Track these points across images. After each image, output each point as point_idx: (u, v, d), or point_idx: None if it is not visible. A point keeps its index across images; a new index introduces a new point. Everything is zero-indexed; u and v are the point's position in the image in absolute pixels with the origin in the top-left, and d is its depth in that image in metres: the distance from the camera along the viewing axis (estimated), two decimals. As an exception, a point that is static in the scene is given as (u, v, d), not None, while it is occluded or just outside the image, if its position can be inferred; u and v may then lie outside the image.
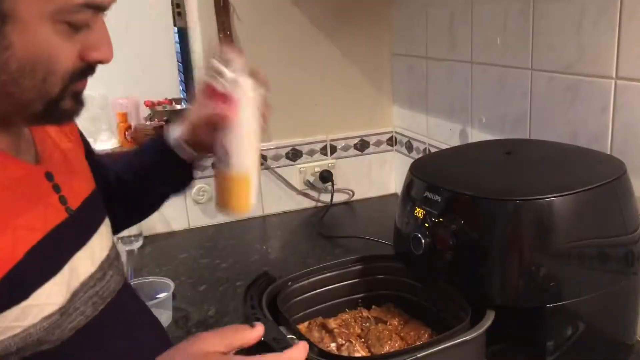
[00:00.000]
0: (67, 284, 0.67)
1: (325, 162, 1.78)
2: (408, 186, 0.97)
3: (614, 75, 1.00)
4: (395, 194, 1.88)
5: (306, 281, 0.96)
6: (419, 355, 0.73)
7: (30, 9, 0.56)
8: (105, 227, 0.80)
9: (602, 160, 0.96)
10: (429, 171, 0.95)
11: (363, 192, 1.83)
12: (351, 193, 1.82)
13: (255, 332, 0.64)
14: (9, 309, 0.60)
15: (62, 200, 0.71)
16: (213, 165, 0.84)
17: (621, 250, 0.85)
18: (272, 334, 0.78)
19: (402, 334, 0.92)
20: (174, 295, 1.27)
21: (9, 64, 0.58)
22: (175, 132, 0.88)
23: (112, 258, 0.80)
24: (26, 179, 0.67)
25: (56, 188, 0.71)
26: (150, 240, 1.63)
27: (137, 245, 1.59)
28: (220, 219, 1.72)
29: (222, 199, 0.83)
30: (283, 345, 0.76)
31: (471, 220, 0.83)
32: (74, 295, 0.69)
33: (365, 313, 0.97)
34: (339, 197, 1.81)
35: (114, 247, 0.82)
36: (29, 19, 0.57)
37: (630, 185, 0.87)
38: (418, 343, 0.88)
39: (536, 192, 0.81)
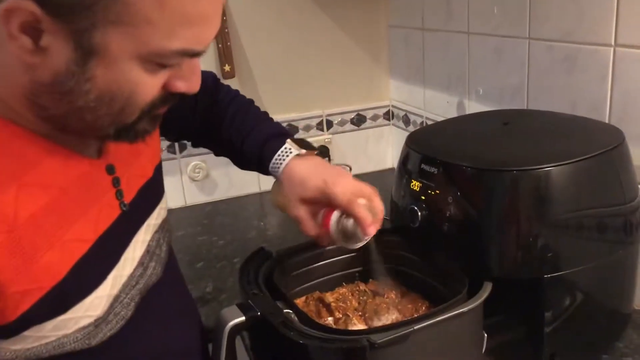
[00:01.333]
0: (108, 294, 0.63)
1: (322, 138, 1.77)
2: (404, 159, 0.96)
3: (612, 43, 0.98)
4: (392, 169, 1.87)
5: (302, 256, 0.95)
6: (416, 327, 0.72)
7: (122, 47, 0.52)
8: (156, 213, 0.76)
9: (601, 129, 0.94)
10: (425, 143, 0.94)
11: (360, 167, 1.82)
12: (348, 168, 1.81)
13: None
14: (42, 323, 0.57)
15: (119, 195, 0.67)
16: None
17: (619, 219, 0.84)
18: (268, 310, 0.78)
19: (399, 307, 0.91)
20: (171, 273, 1.27)
21: (89, 94, 0.54)
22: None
23: (154, 246, 0.74)
24: (86, 177, 0.63)
25: (115, 182, 0.67)
26: (147, 218, 1.62)
27: (133, 223, 1.58)
28: (217, 196, 1.71)
29: None
30: (280, 319, 0.76)
31: (468, 191, 0.83)
32: (114, 301, 0.64)
33: (362, 286, 0.97)
34: (336, 173, 1.80)
35: (157, 232, 0.76)
36: (118, 56, 0.53)
37: (629, 154, 0.86)
38: (415, 315, 0.88)
39: (533, 162, 0.80)
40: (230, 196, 1.72)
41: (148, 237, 0.73)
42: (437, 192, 0.85)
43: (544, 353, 0.84)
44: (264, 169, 0.87)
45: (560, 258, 0.80)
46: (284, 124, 1.73)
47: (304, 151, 0.84)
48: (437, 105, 1.58)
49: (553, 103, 1.13)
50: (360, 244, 0.80)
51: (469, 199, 0.82)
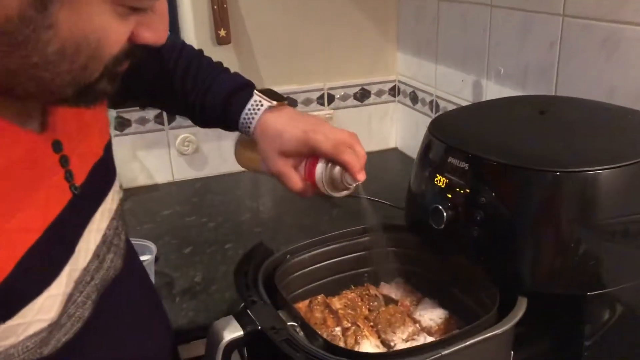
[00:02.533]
0: (63, 292, 0.54)
1: (322, 113, 1.64)
2: (426, 148, 0.84)
3: (666, 25, 0.87)
4: (395, 149, 1.76)
5: (307, 254, 0.84)
6: (443, 353, 0.62)
7: None
8: (110, 197, 0.65)
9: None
10: (453, 132, 0.82)
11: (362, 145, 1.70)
12: (349, 146, 1.69)
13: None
14: None
15: (68, 176, 0.57)
16: None
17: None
18: (270, 323, 0.67)
19: (415, 316, 0.81)
20: (156, 259, 1.16)
21: (49, 45, 0.44)
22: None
23: (111, 235, 0.65)
24: (29, 155, 0.52)
25: (64, 161, 0.57)
26: (131, 193, 1.50)
27: (116, 199, 1.46)
28: (207, 171, 1.59)
29: None
30: (283, 336, 0.65)
31: (504, 192, 0.71)
32: (68, 300, 0.55)
33: (372, 290, 0.86)
34: (335, 151, 1.68)
35: (114, 219, 0.66)
36: None
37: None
38: (433, 328, 0.78)
39: (581, 162, 0.69)
40: (221, 172, 1.60)
41: (104, 225, 0.63)
42: (467, 190, 0.74)
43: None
44: (231, 126, 0.81)
45: (608, 273, 0.70)
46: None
47: (275, 103, 0.78)
48: (450, 83, 1.45)
49: (586, 89, 1.02)
50: (348, 192, 0.77)
51: (505, 201, 0.71)
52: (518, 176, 0.71)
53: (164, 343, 0.75)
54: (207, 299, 1.04)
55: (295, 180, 0.76)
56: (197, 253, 1.20)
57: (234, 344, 0.66)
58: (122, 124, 1.48)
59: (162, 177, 1.56)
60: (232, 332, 0.66)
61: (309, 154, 0.75)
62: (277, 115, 0.77)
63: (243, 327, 0.67)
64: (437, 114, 1.52)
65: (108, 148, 0.67)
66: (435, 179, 0.79)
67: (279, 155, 0.76)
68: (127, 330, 0.66)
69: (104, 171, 0.65)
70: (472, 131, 0.82)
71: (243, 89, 0.80)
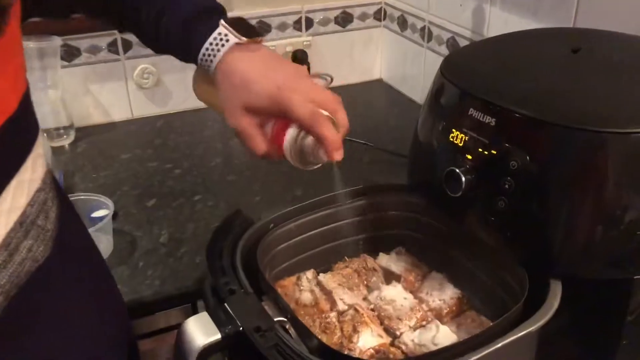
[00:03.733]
0: None
1: (299, 40, 1.46)
2: (437, 93, 0.69)
3: None
4: (380, 81, 1.60)
5: (293, 223, 0.71)
6: (470, 361, 0.51)
7: None
8: (30, 165, 0.50)
9: None
10: (473, 76, 0.67)
11: (343, 76, 1.54)
12: (329, 78, 1.52)
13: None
14: None
15: None
16: None
17: None
18: (253, 321, 0.54)
19: (421, 295, 0.69)
20: (115, 214, 1.01)
21: None
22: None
23: (34, 213, 0.50)
24: None
25: None
26: (85, 133, 1.32)
27: (67, 140, 1.28)
28: (170, 107, 1.41)
29: None
30: (271, 341, 0.52)
31: (540, 155, 0.58)
32: None
33: (370, 262, 0.74)
34: (314, 83, 1.51)
35: (41, 191, 0.51)
36: None
37: None
38: (447, 318, 0.67)
39: (636, 119, 0.56)
40: (187, 108, 1.42)
41: (22, 202, 0.48)
42: (493, 152, 0.61)
43: (612, 367, 0.64)
44: (190, 60, 0.65)
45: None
46: (254, 21, 1.43)
47: (244, 39, 0.62)
48: (446, 8, 1.28)
49: (615, 20, 0.87)
50: (318, 166, 0.63)
51: (541, 166, 0.58)
52: (560, 136, 0.57)
53: (113, 324, 0.62)
54: (174, 263, 0.90)
55: (259, 141, 0.62)
56: (161, 206, 1.05)
57: (210, 349, 0.53)
58: (70, 54, 1.28)
59: (119, 114, 1.38)
60: (208, 335, 0.53)
61: (280, 115, 0.61)
62: (247, 58, 0.62)
63: (221, 328, 0.54)
64: (429, 42, 1.36)
65: (25, 101, 0.50)
66: (451, 134, 0.65)
67: (242, 110, 0.61)
68: (58, 334, 0.52)
69: (18, 132, 0.48)
70: (497, 75, 0.67)
71: (208, 14, 0.63)
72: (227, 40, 0.61)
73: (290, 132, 0.60)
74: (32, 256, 0.49)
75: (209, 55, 0.62)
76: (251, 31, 0.63)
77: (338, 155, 0.59)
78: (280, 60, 0.64)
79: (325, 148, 0.58)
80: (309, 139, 0.60)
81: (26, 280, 0.48)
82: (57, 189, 0.55)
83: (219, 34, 0.61)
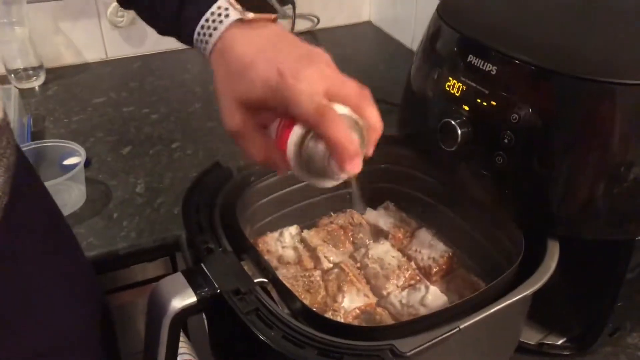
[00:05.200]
0: None
1: (284, -22, 1.37)
2: (433, 37, 0.64)
3: None
4: (369, 23, 1.52)
5: (275, 177, 0.66)
6: (462, 327, 0.48)
7: None
8: None
9: None
10: (474, 19, 0.62)
11: (330, 18, 1.46)
12: (315, 20, 1.45)
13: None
14: None
15: None
16: None
17: None
18: (232, 283, 0.51)
19: (409, 252, 0.66)
20: (88, 162, 0.96)
21: None
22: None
23: None
24: None
25: None
26: (56, 75, 1.24)
27: (37, 82, 1.21)
28: (146, 48, 1.34)
29: None
30: (251, 306, 0.49)
31: (543, 107, 0.54)
32: None
33: (357, 217, 0.70)
34: (300, 25, 1.43)
35: None
36: None
37: None
38: (437, 277, 0.64)
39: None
40: (164, 49, 1.34)
41: None
42: (493, 103, 0.56)
43: (606, 327, 0.62)
44: (186, 40, 0.52)
45: (664, 214, 0.55)
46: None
47: (250, 15, 0.49)
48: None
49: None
50: (333, 183, 0.47)
51: (544, 119, 0.53)
52: (566, 86, 0.53)
53: (75, 280, 0.58)
54: (152, 215, 0.86)
55: (256, 145, 0.49)
56: (137, 154, 1.00)
57: (184, 313, 0.49)
58: (38, -12, 1.19)
59: (92, 54, 1.30)
60: (183, 298, 0.49)
61: (283, 112, 0.46)
62: (248, 38, 0.48)
63: (197, 290, 0.50)
64: (421, -17, 1.28)
65: None
66: (447, 83, 0.60)
67: (236, 104, 0.48)
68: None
69: None
70: (501, 19, 0.62)
71: None
72: (227, 16, 0.48)
73: (295, 133, 0.45)
74: None
75: (204, 34, 0.50)
76: (264, 6, 0.50)
77: (351, 167, 0.43)
78: (293, 41, 0.49)
79: (335, 156, 0.43)
80: (320, 146, 0.44)
81: None
82: (10, 133, 0.50)
83: (219, 7, 0.49)
